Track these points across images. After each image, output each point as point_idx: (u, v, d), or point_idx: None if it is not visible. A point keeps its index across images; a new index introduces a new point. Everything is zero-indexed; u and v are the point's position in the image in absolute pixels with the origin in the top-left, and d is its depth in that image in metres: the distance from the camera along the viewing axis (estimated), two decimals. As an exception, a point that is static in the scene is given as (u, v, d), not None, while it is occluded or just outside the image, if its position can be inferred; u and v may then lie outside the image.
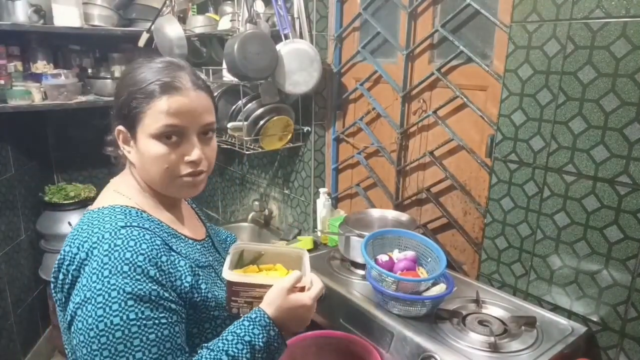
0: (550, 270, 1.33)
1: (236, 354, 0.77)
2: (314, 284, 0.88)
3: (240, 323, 0.81)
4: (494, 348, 1.13)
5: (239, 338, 0.79)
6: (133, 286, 0.71)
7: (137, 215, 0.81)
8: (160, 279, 0.74)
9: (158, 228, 0.82)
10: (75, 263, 0.75)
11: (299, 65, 1.81)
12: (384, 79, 1.77)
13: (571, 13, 1.17)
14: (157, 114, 0.79)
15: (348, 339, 1.30)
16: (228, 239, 1.19)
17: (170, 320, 0.74)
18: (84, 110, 2.35)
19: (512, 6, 1.29)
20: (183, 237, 0.88)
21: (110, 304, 0.70)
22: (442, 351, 1.12)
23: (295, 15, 1.89)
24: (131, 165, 0.87)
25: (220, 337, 0.80)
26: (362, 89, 1.87)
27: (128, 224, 0.77)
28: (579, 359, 1.19)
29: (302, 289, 0.87)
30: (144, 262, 0.73)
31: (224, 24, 2.08)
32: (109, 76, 2.46)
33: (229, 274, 0.86)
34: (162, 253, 0.77)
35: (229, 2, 2.22)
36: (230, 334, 0.80)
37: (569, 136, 1.23)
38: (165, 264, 0.76)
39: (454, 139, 1.56)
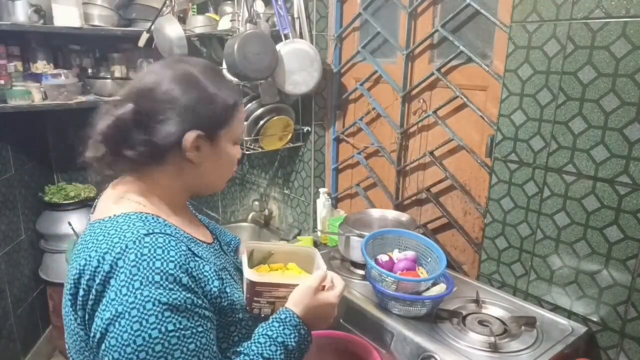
0: (550, 270, 1.33)
1: (271, 356, 0.77)
2: (337, 282, 0.90)
3: (270, 325, 0.81)
4: (494, 348, 1.13)
5: (272, 340, 0.79)
6: (168, 296, 0.68)
7: (155, 222, 0.77)
8: (192, 286, 0.72)
9: (177, 232, 0.79)
10: (99, 277, 0.70)
11: (299, 65, 1.81)
12: (384, 79, 1.77)
13: (571, 13, 1.17)
14: (240, 121, 0.86)
15: (348, 339, 1.30)
16: (232, 242, 1.19)
17: (205, 327, 0.72)
18: (84, 110, 2.33)
19: (512, 6, 1.29)
20: (199, 241, 0.86)
21: (146, 317, 0.67)
22: (442, 351, 1.12)
23: (295, 15, 1.89)
24: (180, 169, 0.82)
25: (253, 341, 0.79)
26: (362, 89, 1.87)
27: (150, 231, 0.73)
28: (578, 359, 1.19)
29: (323, 288, 0.88)
30: (175, 270, 0.70)
31: (224, 24, 2.08)
32: (109, 76, 2.46)
33: (252, 274, 0.85)
34: (190, 259, 0.74)
35: (229, 2, 2.21)
36: (261, 336, 0.79)
37: (569, 136, 1.23)
38: (194, 270, 0.74)
39: (454, 139, 1.56)
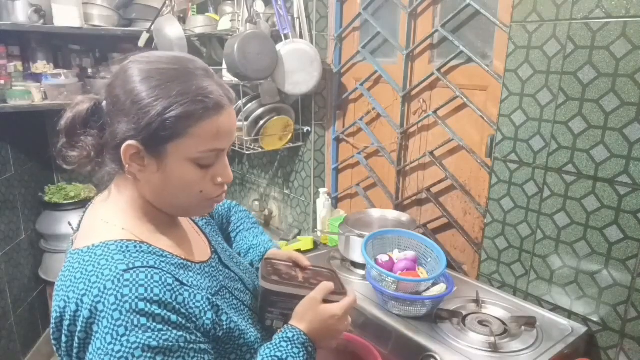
0: (550, 270, 1.33)
1: None
2: (348, 295, 0.86)
3: (278, 345, 0.76)
4: (494, 348, 1.13)
5: None
6: (158, 339, 0.62)
7: (137, 250, 0.70)
8: (183, 322, 0.66)
9: (163, 261, 0.71)
10: (79, 324, 0.64)
11: (299, 65, 1.81)
12: (384, 79, 1.77)
13: (571, 13, 1.17)
14: (203, 136, 0.69)
15: (348, 339, 1.30)
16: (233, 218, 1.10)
17: None
18: (84, 111, 2.34)
19: (512, 6, 1.29)
20: (190, 264, 0.77)
21: None
22: (442, 351, 1.12)
23: (295, 16, 1.89)
24: (135, 182, 0.74)
25: None
26: (362, 89, 1.87)
27: (130, 265, 0.66)
28: (578, 359, 1.19)
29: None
30: (161, 310, 0.64)
31: (224, 24, 2.08)
32: (108, 76, 2.46)
33: (267, 283, 0.82)
34: (178, 293, 0.67)
35: (229, 2, 2.22)
36: (270, 358, 0.75)
37: (569, 136, 1.23)
38: (183, 305, 0.67)
39: (454, 139, 1.56)
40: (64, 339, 0.67)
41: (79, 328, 0.64)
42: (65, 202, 2.51)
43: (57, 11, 2.07)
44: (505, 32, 1.33)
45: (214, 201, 0.77)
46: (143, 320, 0.62)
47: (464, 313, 1.28)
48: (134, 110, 0.68)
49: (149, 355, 0.61)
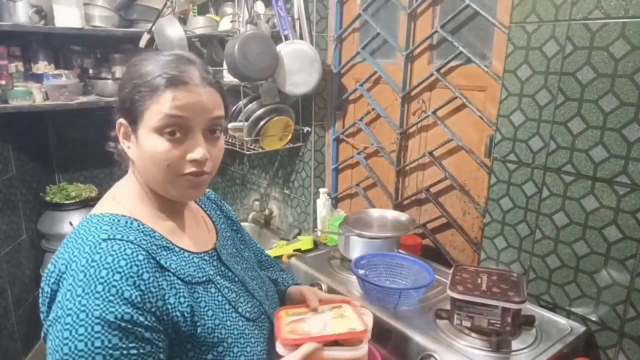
0: (549, 269, 1.33)
1: None
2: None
3: None
4: (493, 347, 1.13)
5: None
6: (104, 309, 0.65)
7: (125, 225, 0.75)
8: (136, 300, 0.67)
9: (146, 240, 0.74)
10: (54, 277, 0.70)
11: (299, 66, 1.82)
12: (383, 79, 1.78)
13: (570, 14, 1.18)
14: (160, 107, 0.73)
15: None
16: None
17: (141, 351, 0.67)
18: (85, 111, 2.36)
19: (511, 7, 1.29)
20: (177, 250, 0.79)
21: (77, 327, 0.64)
22: (442, 350, 1.13)
23: (296, 16, 1.90)
24: (132, 164, 0.81)
25: None
26: (362, 90, 1.87)
27: (111, 236, 0.71)
28: (577, 359, 1.20)
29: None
30: (119, 282, 0.66)
31: (225, 24, 2.09)
32: (109, 77, 2.47)
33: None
34: (144, 270, 0.69)
35: (230, 3, 2.22)
36: None
37: (568, 136, 1.23)
38: (147, 282, 0.69)
39: (453, 139, 1.57)
40: (44, 291, 0.72)
41: (52, 280, 0.70)
42: (67, 202, 2.51)
43: (58, 12, 2.08)
44: (505, 33, 1.34)
45: (186, 179, 0.77)
46: (99, 287, 0.66)
47: (463, 312, 1.28)
48: (119, 91, 0.79)
49: (89, 321, 0.64)
